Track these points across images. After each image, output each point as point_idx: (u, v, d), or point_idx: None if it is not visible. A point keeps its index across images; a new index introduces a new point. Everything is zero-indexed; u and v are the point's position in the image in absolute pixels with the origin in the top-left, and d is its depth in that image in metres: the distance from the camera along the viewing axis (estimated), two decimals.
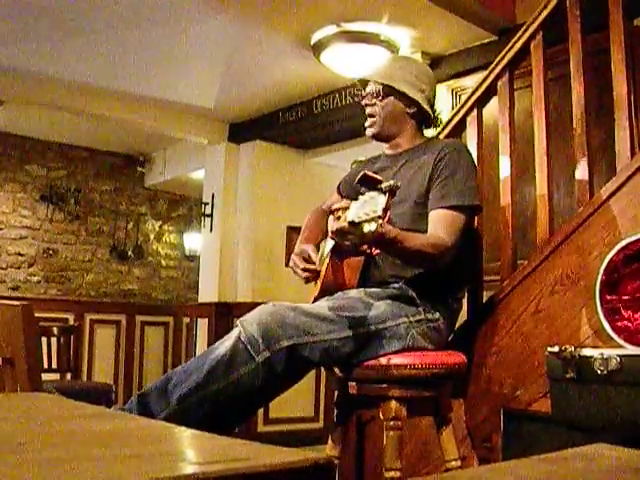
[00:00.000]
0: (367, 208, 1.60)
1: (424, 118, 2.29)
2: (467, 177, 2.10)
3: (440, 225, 2.02)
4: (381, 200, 1.58)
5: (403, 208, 2.11)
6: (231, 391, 1.79)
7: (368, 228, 1.58)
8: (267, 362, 1.79)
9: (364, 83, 2.29)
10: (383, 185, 1.62)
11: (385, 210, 1.57)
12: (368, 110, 2.25)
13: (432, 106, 2.29)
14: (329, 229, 1.82)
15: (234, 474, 0.48)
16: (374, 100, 2.23)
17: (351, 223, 1.62)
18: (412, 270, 2.08)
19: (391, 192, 1.60)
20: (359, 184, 1.70)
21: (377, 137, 2.28)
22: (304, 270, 2.12)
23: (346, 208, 1.70)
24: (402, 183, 2.10)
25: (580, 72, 2.44)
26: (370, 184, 1.65)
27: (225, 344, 1.83)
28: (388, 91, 2.21)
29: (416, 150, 2.23)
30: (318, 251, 2.20)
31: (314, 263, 2.14)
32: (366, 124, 2.27)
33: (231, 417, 1.87)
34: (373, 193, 1.63)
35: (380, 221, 1.58)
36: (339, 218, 1.74)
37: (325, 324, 1.88)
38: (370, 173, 1.70)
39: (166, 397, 1.78)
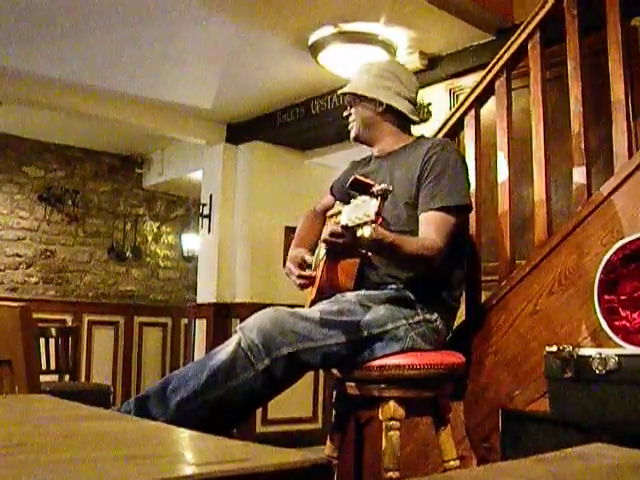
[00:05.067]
0: (359, 212, 1.60)
1: (402, 115, 2.26)
2: (456, 177, 2.09)
3: (431, 227, 2.01)
4: (373, 204, 1.59)
5: (394, 210, 2.10)
6: (230, 397, 1.79)
7: (361, 232, 1.59)
8: (267, 369, 1.79)
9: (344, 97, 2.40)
10: (375, 189, 1.62)
11: (378, 214, 1.58)
12: (349, 119, 2.32)
13: (411, 100, 2.26)
14: (324, 236, 1.80)
15: (233, 475, 0.48)
16: (349, 110, 2.30)
17: (344, 227, 1.62)
18: (409, 271, 2.08)
19: (383, 196, 1.60)
20: (350, 189, 1.69)
21: (357, 140, 2.32)
22: (299, 277, 2.11)
23: (339, 213, 1.70)
24: (392, 185, 2.11)
25: (578, 72, 2.44)
26: (361, 188, 1.65)
27: (225, 350, 1.83)
28: (354, 98, 2.28)
29: (403, 151, 2.23)
30: (313, 254, 2.20)
31: (310, 266, 2.14)
32: (349, 128, 2.34)
33: (229, 421, 1.87)
34: (365, 197, 1.63)
35: (373, 225, 1.58)
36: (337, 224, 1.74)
37: (325, 329, 1.88)
38: (361, 177, 1.70)
39: (165, 402, 1.78)
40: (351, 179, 1.69)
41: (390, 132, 2.26)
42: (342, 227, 1.64)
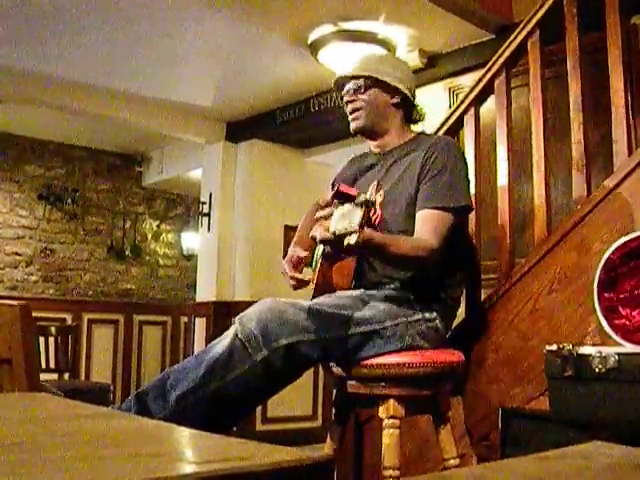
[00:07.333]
0: (345, 222, 1.66)
1: (409, 110, 2.22)
2: (455, 176, 2.05)
3: (426, 227, 1.98)
4: (357, 214, 1.66)
5: (395, 209, 2.07)
6: (229, 390, 1.78)
7: (348, 240, 1.65)
8: (265, 360, 1.78)
9: (341, 84, 2.21)
10: (358, 200, 1.69)
11: (362, 225, 1.65)
12: (351, 106, 2.17)
13: (414, 98, 2.24)
14: (312, 234, 1.81)
15: (232, 473, 0.48)
16: (355, 96, 2.16)
17: (333, 235, 1.68)
18: (403, 270, 2.07)
19: (366, 205, 1.68)
20: (334, 198, 1.73)
21: (363, 130, 2.19)
22: (292, 278, 2.10)
23: (328, 217, 1.74)
24: (392, 182, 2.11)
25: (577, 70, 2.44)
26: (345, 198, 1.71)
27: (223, 343, 1.82)
28: (370, 83, 2.14)
29: (405, 147, 2.18)
30: (313, 252, 2.18)
31: (305, 265, 2.14)
32: (350, 118, 2.19)
33: (230, 416, 1.86)
34: (349, 206, 1.70)
35: (359, 233, 1.64)
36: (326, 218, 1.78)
37: (325, 322, 1.87)
38: (344, 188, 1.73)
39: (164, 397, 1.78)
40: (335, 189, 1.72)
41: (396, 125, 2.20)
42: (332, 234, 1.68)
